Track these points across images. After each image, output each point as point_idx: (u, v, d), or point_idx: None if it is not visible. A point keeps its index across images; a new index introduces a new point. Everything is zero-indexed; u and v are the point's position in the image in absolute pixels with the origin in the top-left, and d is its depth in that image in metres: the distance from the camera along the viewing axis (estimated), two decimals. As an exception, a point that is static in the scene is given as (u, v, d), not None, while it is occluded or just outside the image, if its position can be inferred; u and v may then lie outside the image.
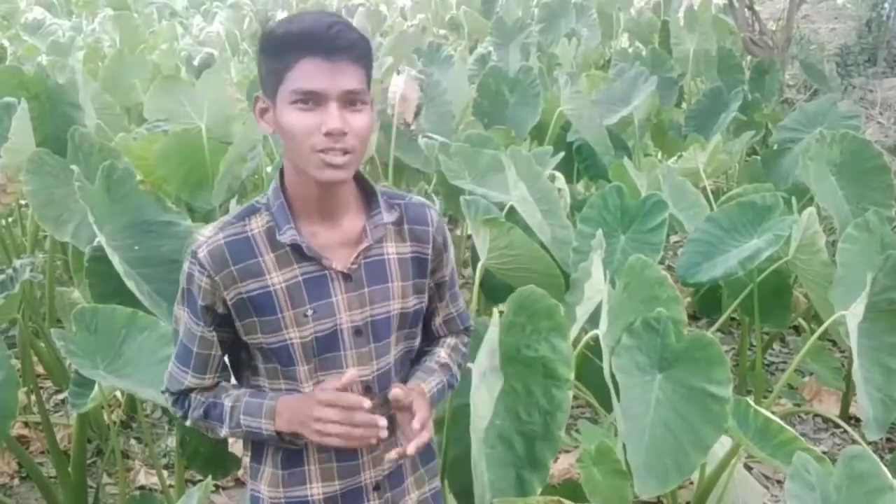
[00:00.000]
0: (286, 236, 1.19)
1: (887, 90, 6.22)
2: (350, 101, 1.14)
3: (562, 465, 2.34)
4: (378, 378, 1.27)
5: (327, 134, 1.12)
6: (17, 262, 2.32)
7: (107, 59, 5.34)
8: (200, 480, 2.15)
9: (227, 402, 1.26)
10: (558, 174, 3.33)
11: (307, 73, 1.11)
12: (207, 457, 2.35)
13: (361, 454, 1.29)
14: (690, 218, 3.22)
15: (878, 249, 2.53)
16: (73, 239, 2.65)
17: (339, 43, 1.11)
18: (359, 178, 1.27)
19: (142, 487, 2.80)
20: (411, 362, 1.37)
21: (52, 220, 2.64)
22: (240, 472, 2.75)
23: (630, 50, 6.68)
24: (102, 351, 2.04)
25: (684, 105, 5.86)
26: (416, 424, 1.19)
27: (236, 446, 2.34)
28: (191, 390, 1.30)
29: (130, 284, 2.25)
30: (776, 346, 3.83)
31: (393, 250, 1.27)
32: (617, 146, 4.14)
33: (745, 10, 6.31)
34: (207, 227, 1.24)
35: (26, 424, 3.01)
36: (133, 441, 3.07)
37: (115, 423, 2.60)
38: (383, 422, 1.14)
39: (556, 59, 6.03)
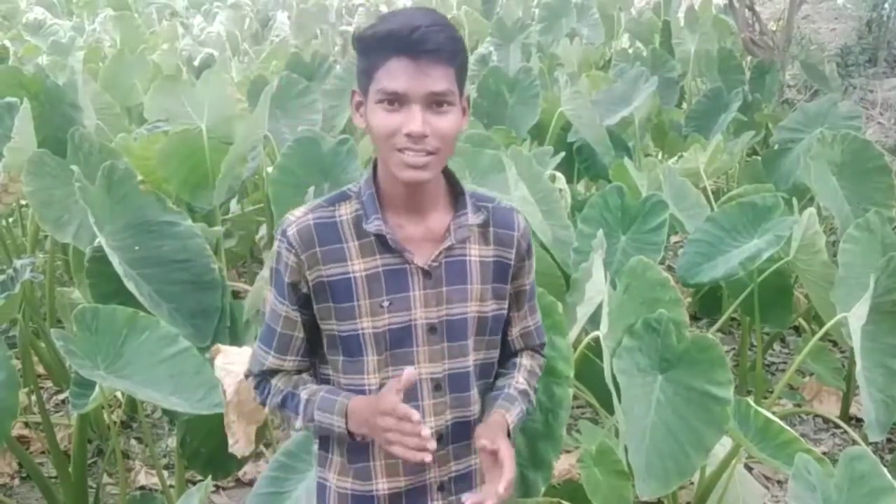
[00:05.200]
0: (372, 226, 1.21)
1: (888, 90, 6.21)
2: (435, 102, 1.15)
3: (562, 466, 2.34)
4: (449, 377, 1.27)
5: (408, 135, 1.13)
6: (17, 263, 2.31)
7: (107, 60, 5.35)
8: (200, 480, 2.15)
9: (304, 395, 1.26)
10: (559, 174, 3.32)
11: (392, 74, 1.13)
12: (207, 457, 2.35)
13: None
14: (691, 218, 3.22)
15: (880, 250, 2.53)
16: (74, 239, 2.65)
17: (425, 45, 1.12)
18: (449, 177, 1.28)
19: (142, 487, 2.80)
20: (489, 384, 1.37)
21: (52, 220, 2.64)
22: (240, 473, 2.76)
23: (630, 50, 6.68)
24: (103, 351, 2.04)
25: (685, 105, 5.86)
26: (501, 489, 1.16)
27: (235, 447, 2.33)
28: (273, 373, 1.30)
29: (130, 285, 2.25)
30: (776, 346, 3.83)
31: (476, 252, 1.27)
32: (617, 146, 4.14)
33: (746, 10, 6.31)
34: (298, 209, 1.26)
35: (27, 424, 3.01)
36: (133, 441, 3.07)
37: (115, 423, 2.60)
38: (432, 444, 1.12)
39: (557, 60, 6.03)
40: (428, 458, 1.12)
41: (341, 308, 1.23)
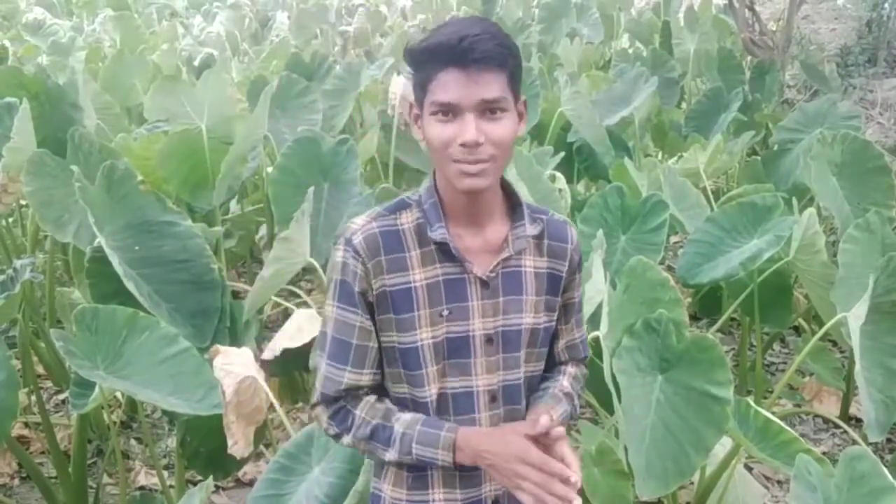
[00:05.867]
0: (437, 234, 1.21)
1: (887, 90, 6.22)
2: (488, 109, 1.15)
3: (562, 466, 2.34)
4: (503, 389, 1.27)
5: (462, 145, 1.14)
6: (17, 263, 2.31)
7: (107, 60, 5.35)
8: (200, 480, 2.15)
9: (399, 428, 1.22)
10: (559, 174, 3.33)
11: (443, 86, 1.14)
12: (207, 457, 2.35)
13: None
14: (691, 218, 3.22)
15: (879, 250, 2.53)
16: (74, 239, 2.65)
17: (473, 54, 1.12)
18: (506, 188, 1.29)
19: (142, 488, 2.80)
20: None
21: (52, 220, 2.64)
22: (240, 473, 2.76)
23: (630, 50, 6.68)
24: (103, 351, 2.04)
25: (685, 105, 5.86)
26: (574, 477, 1.15)
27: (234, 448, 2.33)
28: (350, 393, 1.26)
29: (130, 285, 2.25)
30: (776, 346, 3.83)
31: (531, 264, 1.28)
32: (617, 146, 4.14)
33: (746, 10, 6.31)
34: (359, 218, 1.26)
35: (26, 425, 3.01)
36: (133, 441, 3.07)
37: (115, 423, 2.60)
38: (578, 502, 1.12)
39: (557, 60, 6.04)
40: None
41: (401, 319, 1.22)
